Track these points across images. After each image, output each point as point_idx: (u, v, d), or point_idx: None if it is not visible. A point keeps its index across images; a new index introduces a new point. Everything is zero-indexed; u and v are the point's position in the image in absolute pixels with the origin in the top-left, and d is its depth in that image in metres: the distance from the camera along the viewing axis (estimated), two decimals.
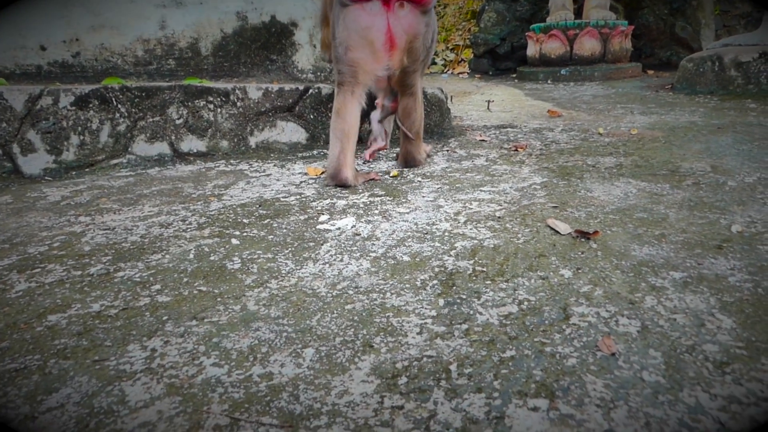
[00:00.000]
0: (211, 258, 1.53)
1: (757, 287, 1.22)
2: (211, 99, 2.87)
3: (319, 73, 3.68)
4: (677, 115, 3.68)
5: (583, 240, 1.54)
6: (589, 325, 1.10)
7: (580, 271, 1.34)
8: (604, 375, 0.94)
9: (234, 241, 1.66)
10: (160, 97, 2.75)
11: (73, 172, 2.57)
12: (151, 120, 2.74)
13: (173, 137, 2.79)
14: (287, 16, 3.56)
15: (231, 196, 2.15)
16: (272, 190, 2.23)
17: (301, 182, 2.34)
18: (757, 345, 1.01)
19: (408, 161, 2.52)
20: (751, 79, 4.47)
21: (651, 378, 0.93)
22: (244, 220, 1.86)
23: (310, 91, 3.01)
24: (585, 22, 6.35)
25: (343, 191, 2.17)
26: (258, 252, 1.57)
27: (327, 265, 1.46)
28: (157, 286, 1.36)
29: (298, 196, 2.12)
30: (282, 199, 2.09)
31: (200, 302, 1.27)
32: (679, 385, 0.91)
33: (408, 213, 1.86)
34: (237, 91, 2.91)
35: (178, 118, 2.81)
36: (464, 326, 1.12)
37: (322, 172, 2.47)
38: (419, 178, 2.33)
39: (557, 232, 1.60)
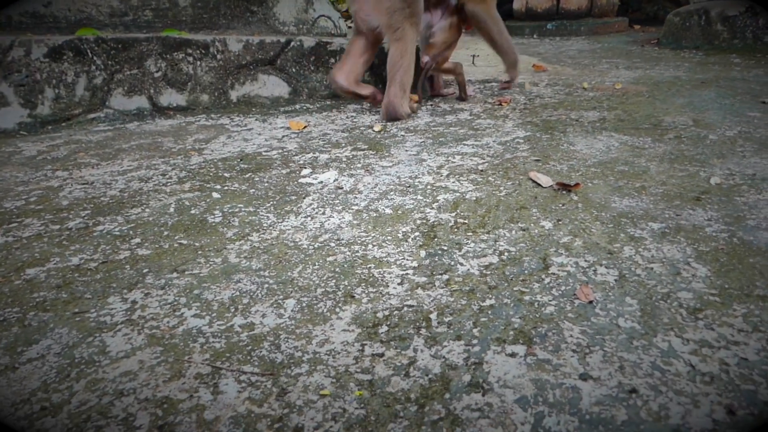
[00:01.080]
0: (192, 212, 1.52)
1: (732, 237, 1.24)
2: (191, 51, 2.79)
3: (301, 26, 3.59)
4: (662, 69, 3.66)
5: (564, 192, 1.54)
6: (567, 274, 1.11)
7: (560, 222, 1.35)
8: (581, 322, 0.96)
9: (215, 195, 1.65)
10: (137, 49, 2.67)
11: (49, 127, 2.51)
12: (128, 73, 2.66)
13: (152, 91, 2.73)
14: None
15: (212, 151, 2.12)
16: (254, 144, 2.20)
17: (283, 136, 2.30)
18: (729, 292, 1.03)
19: (389, 113, 2.51)
20: (737, 34, 4.44)
21: (626, 324, 0.95)
22: (225, 174, 1.83)
23: (292, 43, 2.94)
24: None
25: (326, 145, 2.15)
26: (239, 206, 1.56)
27: (309, 218, 1.45)
28: (137, 240, 1.35)
29: (280, 151, 2.09)
30: (264, 154, 2.06)
31: (181, 255, 1.26)
32: (653, 330, 0.93)
33: (391, 167, 1.85)
34: (217, 44, 2.84)
35: (157, 71, 2.73)
36: (445, 276, 1.13)
37: (305, 127, 2.44)
38: (402, 132, 2.31)
39: (539, 184, 1.60)
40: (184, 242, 1.33)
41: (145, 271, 1.19)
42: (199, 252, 1.28)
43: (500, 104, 2.71)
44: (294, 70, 2.97)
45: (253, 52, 2.89)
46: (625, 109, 2.54)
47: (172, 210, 1.53)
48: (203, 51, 2.81)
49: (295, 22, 3.57)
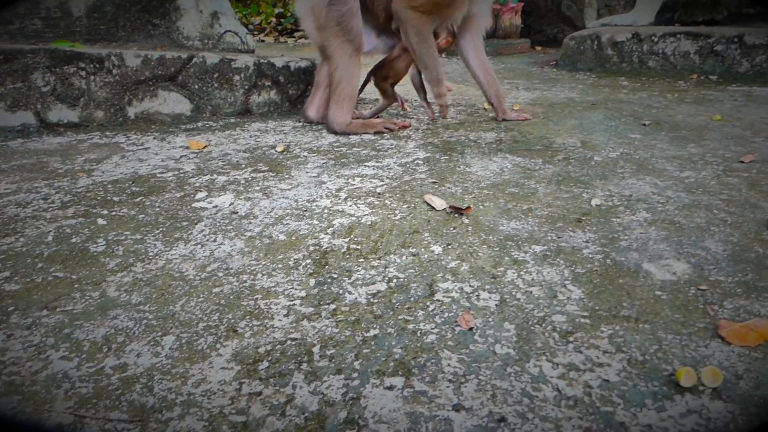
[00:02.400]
0: (73, 240, 1.43)
1: (606, 258, 1.31)
2: (83, 65, 2.65)
3: (206, 41, 3.50)
4: (558, 91, 3.86)
5: (456, 215, 1.58)
6: (452, 300, 1.13)
7: (450, 246, 1.38)
8: (459, 350, 0.97)
9: (100, 221, 1.56)
10: (21, 61, 2.50)
11: None
12: (11, 86, 2.49)
13: (39, 106, 2.56)
14: None
15: (102, 172, 2.02)
16: (149, 165, 2.11)
17: (181, 157, 2.23)
18: (599, 314, 1.09)
19: (328, 127, 2.65)
20: (625, 58, 4.76)
21: (502, 351, 0.97)
22: (114, 198, 1.74)
23: (195, 60, 2.86)
24: None
25: (226, 166, 2.09)
26: (126, 233, 1.48)
27: (198, 246, 1.40)
28: (5, 274, 1.25)
29: (176, 172, 2.02)
30: (158, 175, 1.98)
31: (54, 290, 1.18)
32: (527, 356, 0.96)
33: (290, 189, 1.82)
34: (113, 58, 2.71)
35: (45, 86, 2.57)
36: (332, 306, 1.12)
37: (205, 146, 2.37)
38: (306, 153, 2.29)
39: (433, 207, 1.63)
40: (60, 275, 1.25)
41: (10, 309, 1.11)
42: (76, 286, 1.20)
43: (404, 127, 2.75)
44: (197, 86, 2.89)
45: (152, 67, 2.78)
46: (520, 130, 2.65)
47: (50, 239, 1.44)
48: (98, 65, 2.67)
49: (200, 37, 3.47)
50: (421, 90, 2.87)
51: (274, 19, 9.06)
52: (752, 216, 1.56)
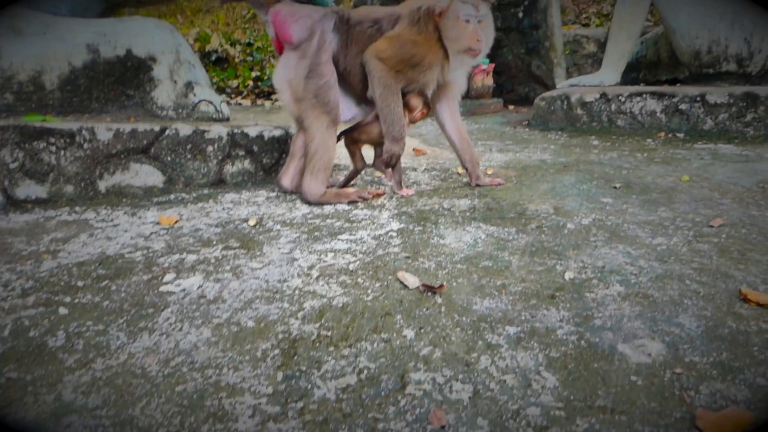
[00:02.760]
0: (31, 334, 1.38)
1: (580, 339, 1.30)
2: (54, 141, 2.64)
3: (180, 110, 3.52)
4: (530, 152, 3.93)
5: (429, 294, 1.56)
6: (424, 393, 1.10)
7: (422, 330, 1.35)
8: None
9: (62, 310, 1.51)
10: None
11: None
12: None
13: (6, 183, 2.53)
14: (145, 50, 3.38)
15: (69, 253, 1.97)
16: (117, 243, 2.07)
17: (151, 234, 2.19)
18: (574, 404, 1.06)
19: (302, 197, 2.66)
20: (595, 117, 4.89)
21: None
22: (79, 283, 1.70)
23: (167, 132, 2.87)
24: None
25: (196, 243, 2.06)
26: (88, 323, 1.43)
27: (163, 337, 1.36)
28: None
29: (145, 251, 1.98)
30: (126, 255, 1.94)
31: (6, 394, 1.12)
32: None
33: (261, 268, 1.80)
34: (84, 132, 2.70)
35: (13, 162, 2.55)
36: (300, 404, 1.08)
37: (176, 221, 2.35)
38: (279, 226, 2.27)
39: (406, 286, 1.62)
40: (14, 375, 1.19)
41: None
42: (30, 388, 1.14)
43: (378, 194, 2.76)
44: (169, 158, 2.88)
45: (124, 140, 2.78)
46: (494, 196, 2.67)
47: (6, 333, 1.38)
48: (68, 140, 2.66)
49: (174, 107, 3.49)
50: (395, 171, 2.84)
51: (251, 83, 9.22)
52: (724, 286, 1.56)
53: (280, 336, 1.35)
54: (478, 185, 2.90)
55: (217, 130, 3.01)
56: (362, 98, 2.77)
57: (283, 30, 2.64)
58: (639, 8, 5.09)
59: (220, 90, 9.32)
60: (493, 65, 7.19)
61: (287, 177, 2.85)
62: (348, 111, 2.76)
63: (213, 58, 9.82)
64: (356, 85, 2.72)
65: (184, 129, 2.92)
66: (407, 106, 2.71)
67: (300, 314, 1.46)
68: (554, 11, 7.71)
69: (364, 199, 2.64)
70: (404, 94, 2.68)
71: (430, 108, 2.83)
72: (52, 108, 3.22)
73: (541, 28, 7.72)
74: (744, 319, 1.37)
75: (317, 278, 1.70)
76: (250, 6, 2.90)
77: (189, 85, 3.50)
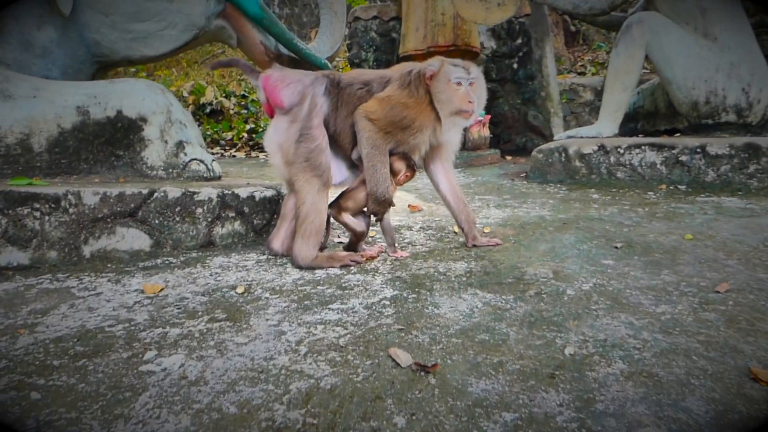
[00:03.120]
0: None
1: (581, 427, 1.24)
2: (38, 206, 2.63)
3: (171, 170, 3.53)
4: (529, 207, 3.93)
5: (422, 374, 1.51)
6: None
7: (414, 418, 1.30)
8: None
9: (34, 395, 1.46)
10: None
11: None
12: None
13: None
14: (135, 111, 3.41)
15: (47, 327, 1.93)
16: (98, 315, 2.03)
17: (134, 304, 2.15)
18: None
19: (293, 262, 2.63)
20: (594, 170, 4.92)
21: None
22: (55, 362, 1.65)
23: (156, 195, 2.86)
24: None
25: (181, 315, 2.02)
26: (60, 410, 1.38)
27: (140, 426, 1.30)
28: None
29: (126, 324, 1.94)
30: (107, 329, 1.90)
31: None
32: None
33: (246, 343, 1.75)
34: (70, 197, 2.70)
35: None
36: None
37: (162, 289, 2.31)
38: (267, 294, 2.24)
39: (398, 364, 1.57)
40: None
41: None
42: None
43: (371, 256, 2.74)
44: (157, 221, 2.87)
45: (111, 204, 2.77)
46: (491, 258, 2.64)
47: None
48: (53, 205, 2.65)
49: (165, 167, 3.50)
50: (387, 232, 2.83)
51: (245, 135, 9.33)
52: (733, 363, 1.52)
53: (264, 425, 1.29)
54: (474, 246, 2.88)
55: (207, 192, 3.00)
56: (353, 161, 2.79)
57: (273, 95, 2.67)
58: (634, 59, 5.19)
59: (214, 142, 9.43)
60: (489, 116, 7.29)
61: (278, 240, 2.83)
62: (339, 174, 2.77)
63: (208, 110, 9.98)
64: (347, 147, 2.74)
65: (173, 191, 2.91)
66: (391, 170, 2.72)
67: (285, 398, 1.41)
68: (549, 61, 7.88)
69: (357, 263, 2.62)
70: (390, 154, 2.70)
71: (414, 171, 2.85)
72: (39, 170, 3.23)
73: (537, 79, 7.87)
74: (755, 402, 1.32)
75: (305, 355, 1.65)
76: (243, 72, 2.95)
77: (180, 145, 3.52)
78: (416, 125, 2.63)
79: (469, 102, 2.60)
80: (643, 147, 4.75)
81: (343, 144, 2.72)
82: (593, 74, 10.72)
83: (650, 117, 6.03)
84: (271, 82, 2.68)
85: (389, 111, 2.61)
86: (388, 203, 2.69)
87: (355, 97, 2.69)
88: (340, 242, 3.10)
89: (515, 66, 7.92)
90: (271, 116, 2.78)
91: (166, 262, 2.73)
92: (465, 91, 2.61)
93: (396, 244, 2.81)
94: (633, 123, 6.14)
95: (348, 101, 2.68)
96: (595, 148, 4.93)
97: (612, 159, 4.85)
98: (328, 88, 2.69)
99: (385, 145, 2.66)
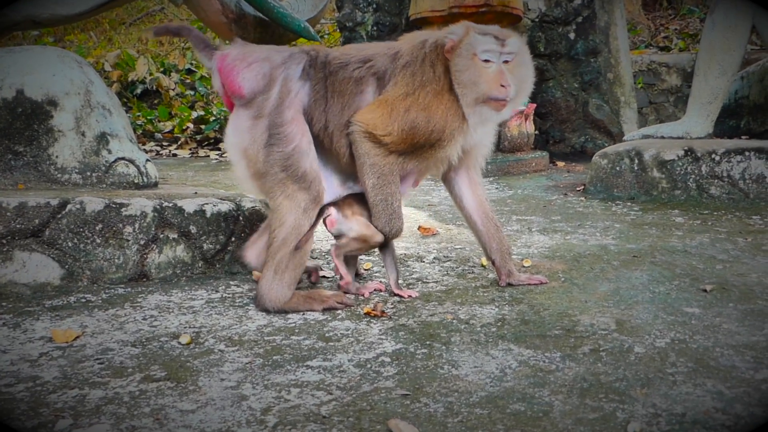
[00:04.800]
0: None
1: None
2: None
3: (89, 173, 3.62)
4: (586, 233, 4.03)
5: None
6: None
7: None
8: None
9: None
10: None
11: None
12: None
13: None
14: (42, 91, 3.52)
15: None
16: None
17: (40, 356, 2.24)
18: None
19: (257, 303, 2.70)
20: (678, 183, 5.03)
21: None
22: None
23: (69, 207, 2.96)
24: None
25: (104, 371, 2.10)
26: None
27: None
28: None
29: (30, 384, 2.02)
30: (4, 390, 1.98)
31: None
32: None
33: (194, 411, 1.83)
34: None
35: None
36: None
37: (77, 337, 2.39)
38: (223, 346, 2.32)
39: None
40: None
41: None
42: None
43: (364, 295, 2.82)
44: (70, 244, 2.96)
45: (7, 219, 2.87)
46: (532, 301, 2.73)
47: None
48: None
49: (81, 169, 3.60)
50: (389, 263, 2.94)
51: (191, 125, 9.45)
52: None
53: None
54: (509, 284, 2.96)
55: (140, 204, 3.10)
56: (351, 173, 2.87)
57: (230, 79, 2.74)
58: (736, 32, 5.30)
59: (147, 135, 9.57)
60: (534, 106, 7.42)
61: (254, 249, 2.92)
62: (330, 192, 2.85)
63: (139, 90, 10.14)
64: (341, 154, 2.81)
65: (93, 203, 3.01)
66: None
67: None
68: (619, 31, 8.02)
69: (346, 306, 2.70)
70: None
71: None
72: None
73: (602, 54, 8.02)
74: None
75: (274, 427, 1.73)
76: (193, 47, 3.03)
77: (102, 138, 3.62)
78: (446, 135, 2.71)
79: (502, 86, 2.68)
80: (747, 153, 4.87)
81: (334, 148, 2.79)
82: (681, 50, 10.91)
83: (758, 112, 6.14)
84: (227, 63, 2.75)
85: (403, 122, 2.68)
86: (398, 234, 2.80)
87: (352, 83, 2.76)
88: (324, 276, 3.19)
89: (572, 36, 8.08)
90: (231, 109, 2.86)
91: (83, 300, 2.81)
92: (497, 70, 2.70)
93: (401, 280, 2.90)
94: (734, 119, 6.26)
95: (341, 90, 2.75)
96: (681, 153, 5.05)
97: (704, 169, 4.96)
98: (306, 68, 2.77)
99: (398, 169, 2.77)
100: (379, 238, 2.80)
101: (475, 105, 2.72)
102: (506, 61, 2.72)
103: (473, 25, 2.81)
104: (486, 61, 2.69)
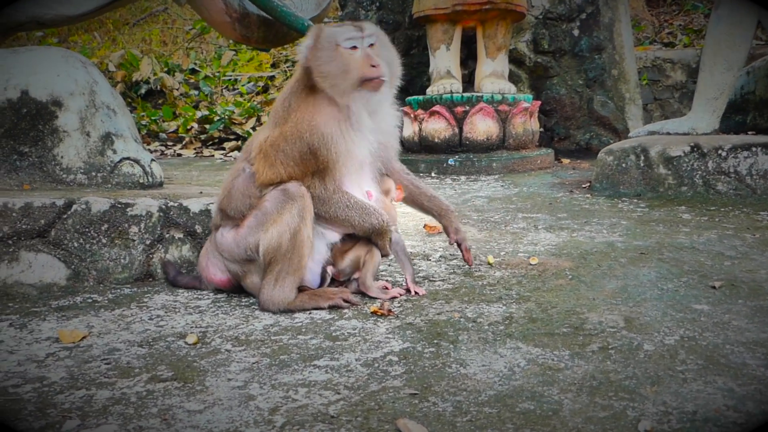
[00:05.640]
0: None
1: None
2: None
3: (94, 173, 3.62)
4: (593, 230, 4.01)
5: None
6: None
7: None
8: None
9: None
10: None
11: None
12: None
13: None
14: (46, 91, 3.53)
15: None
16: None
17: (47, 356, 2.24)
18: None
19: (259, 303, 2.72)
20: (684, 179, 5.01)
21: None
22: None
23: (75, 207, 2.96)
24: (477, 96, 6.87)
25: (111, 371, 2.10)
26: None
27: None
28: None
29: (38, 384, 2.02)
30: (11, 390, 1.98)
31: None
32: None
33: (202, 411, 1.82)
34: None
35: None
36: None
37: (84, 337, 2.39)
38: (229, 345, 2.31)
39: None
40: None
41: None
42: None
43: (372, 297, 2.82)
44: (76, 244, 2.96)
45: (13, 220, 2.86)
46: (539, 299, 2.72)
47: None
48: None
49: (86, 169, 3.60)
50: (403, 261, 2.96)
51: (195, 125, 9.46)
52: None
53: None
54: (457, 243, 3.15)
55: (145, 204, 3.10)
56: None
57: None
58: (742, 27, 5.28)
59: (152, 135, 9.59)
60: (539, 103, 7.41)
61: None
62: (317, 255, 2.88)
63: (143, 90, 10.16)
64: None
65: (99, 203, 3.01)
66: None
67: None
68: (623, 27, 8.02)
69: (352, 304, 2.70)
70: None
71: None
72: None
73: (606, 51, 8.02)
74: None
75: (282, 427, 1.72)
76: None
77: (107, 138, 3.62)
78: (328, 135, 2.72)
79: (372, 66, 2.71)
80: (754, 148, 4.85)
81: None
82: (686, 46, 10.90)
83: (764, 107, 6.12)
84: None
85: (282, 153, 2.72)
86: (388, 229, 2.81)
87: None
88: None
89: (576, 33, 8.07)
90: None
91: (89, 300, 2.81)
92: (363, 54, 2.73)
93: (412, 275, 2.90)
94: (740, 115, 6.24)
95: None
96: (687, 149, 5.03)
97: (710, 165, 4.95)
98: None
99: (324, 189, 2.78)
100: (378, 252, 2.86)
101: (352, 91, 2.74)
102: (371, 45, 2.76)
103: (322, 25, 2.88)
104: (352, 48, 2.72)
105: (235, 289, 2.90)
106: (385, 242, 2.81)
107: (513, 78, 7.79)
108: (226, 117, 9.08)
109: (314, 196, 2.72)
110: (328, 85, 2.72)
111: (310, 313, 2.64)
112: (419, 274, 3.16)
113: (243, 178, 2.80)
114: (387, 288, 2.90)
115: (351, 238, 2.87)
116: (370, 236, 2.80)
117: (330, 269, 2.85)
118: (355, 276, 2.90)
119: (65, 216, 2.94)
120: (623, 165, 5.28)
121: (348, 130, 2.77)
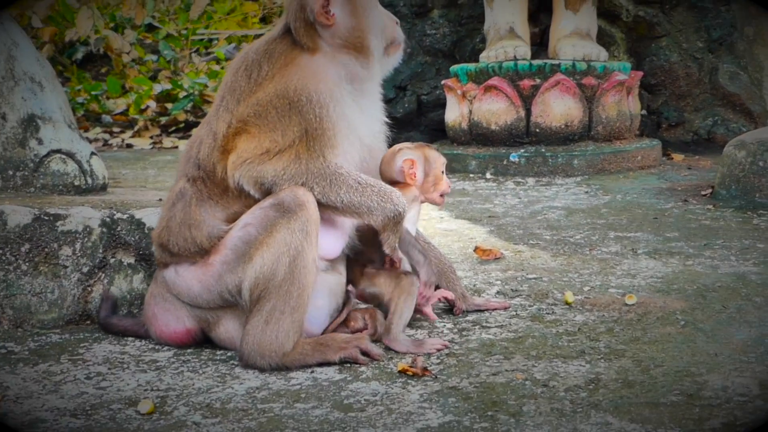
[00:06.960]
0: None
1: None
2: None
3: (11, 173, 3.66)
4: (715, 257, 3.99)
5: None
6: None
7: None
8: None
9: None
10: None
11: None
12: None
13: None
14: None
15: None
16: None
17: None
18: None
19: (240, 357, 2.72)
20: None
21: None
22: None
23: None
24: (552, 64, 6.82)
25: None
26: None
27: None
28: None
29: None
30: None
31: None
32: None
33: None
34: None
35: None
36: None
37: None
38: (198, 416, 2.32)
39: None
40: None
41: None
42: None
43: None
44: None
45: None
46: (638, 354, 2.71)
47: None
48: None
49: (2, 166, 3.63)
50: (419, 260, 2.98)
51: (153, 104, 9.46)
52: None
53: None
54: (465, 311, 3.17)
55: (82, 216, 3.12)
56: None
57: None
58: None
59: (93, 118, 9.60)
60: (641, 74, 7.35)
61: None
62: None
63: (79, 55, 10.19)
64: None
65: (17, 214, 3.03)
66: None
67: None
68: None
69: (373, 357, 2.70)
70: None
71: None
72: None
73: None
74: None
75: None
76: None
77: (30, 123, 3.65)
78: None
79: (396, 23, 2.94)
80: None
81: None
82: None
83: None
84: None
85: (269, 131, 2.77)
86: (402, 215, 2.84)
87: None
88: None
89: None
90: None
91: (3, 350, 2.84)
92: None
93: (430, 278, 2.97)
94: None
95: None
96: None
97: None
98: None
99: (322, 159, 2.81)
100: (414, 290, 2.93)
101: (381, 56, 2.92)
102: None
103: None
104: None
105: (199, 342, 2.92)
106: (397, 238, 2.84)
107: (603, 39, 7.74)
108: (196, 92, 9.02)
109: (314, 173, 2.75)
110: (359, 44, 2.83)
111: (312, 371, 2.64)
112: (468, 318, 3.16)
113: (184, 204, 2.83)
114: (445, 345, 2.88)
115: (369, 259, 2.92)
116: (385, 229, 2.81)
117: (350, 289, 2.90)
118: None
119: None
120: (761, 163, 5.23)
121: (360, 100, 2.90)
